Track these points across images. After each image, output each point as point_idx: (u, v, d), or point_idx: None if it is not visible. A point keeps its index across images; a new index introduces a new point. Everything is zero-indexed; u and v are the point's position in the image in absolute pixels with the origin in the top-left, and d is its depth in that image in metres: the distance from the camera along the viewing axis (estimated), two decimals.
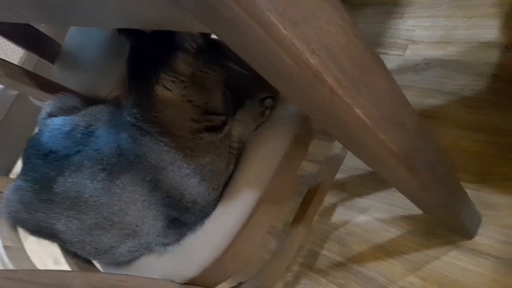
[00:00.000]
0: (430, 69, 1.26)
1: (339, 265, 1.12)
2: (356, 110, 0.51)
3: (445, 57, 1.24)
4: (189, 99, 0.65)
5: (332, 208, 1.21)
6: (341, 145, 0.96)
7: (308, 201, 0.87)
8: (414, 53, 1.33)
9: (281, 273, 0.87)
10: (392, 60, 1.35)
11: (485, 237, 0.92)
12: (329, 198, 1.22)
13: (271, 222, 0.77)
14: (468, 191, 0.93)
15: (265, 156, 0.73)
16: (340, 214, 1.18)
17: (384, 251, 1.04)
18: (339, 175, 1.23)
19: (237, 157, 0.73)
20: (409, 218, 1.04)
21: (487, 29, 1.17)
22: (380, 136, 0.55)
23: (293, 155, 0.75)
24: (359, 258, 1.08)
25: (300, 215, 0.86)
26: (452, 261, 0.93)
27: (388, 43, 1.40)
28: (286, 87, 0.51)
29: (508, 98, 1.04)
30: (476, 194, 0.96)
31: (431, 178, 0.67)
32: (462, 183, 0.95)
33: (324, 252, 1.16)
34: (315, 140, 1.10)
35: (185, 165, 0.66)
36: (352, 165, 1.22)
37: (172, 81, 0.64)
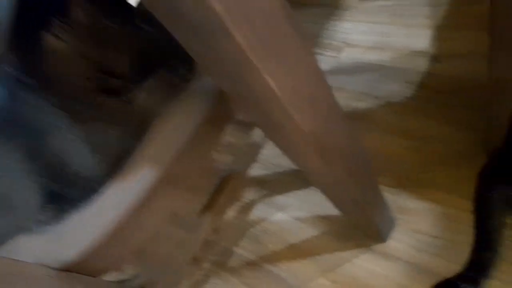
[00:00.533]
0: (363, 73, 1.24)
1: (251, 264, 1.06)
2: (266, 77, 0.45)
3: (378, 62, 1.23)
4: (84, 53, 0.56)
5: (251, 204, 1.15)
6: (261, 133, 0.90)
7: (219, 190, 0.80)
8: (349, 56, 1.31)
9: (183, 267, 0.79)
10: (326, 61, 1.32)
11: (397, 241, 0.90)
12: (249, 195, 1.16)
13: (173, 209, 0.69)
14: (386, 194, 0.91)
15: (171, 133, 0.65)
16: (258, 211, 1.13)
17: (298, 251, 1.00)
18: (261, 171, 1.18)
19: (139, 130, 0.65)
20: (326, 218, 1.01)
21: (421, 38, 1.18)
22: (291, 113, 0.49)
23: (205, 135, 0.68)
24: (273, 258, 1.03)
25: (209, 205, 0.78)
26: (363, 264, 0.90)
27: (324, 44, 1.37)
28: (193, 40, 0.43)
29: (434, 106, 1.04)
30: (393, 198, 0.94)
31: (345, 171, 0.63)
32: (381, 186, 0.93)
33: (238, 250, 1.10)
34: (239, 133, 1.04)
35: (72, 130, 0.56)
36: (275, 162, 1.17)
37: (65, 30, 0.54)
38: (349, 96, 1.21)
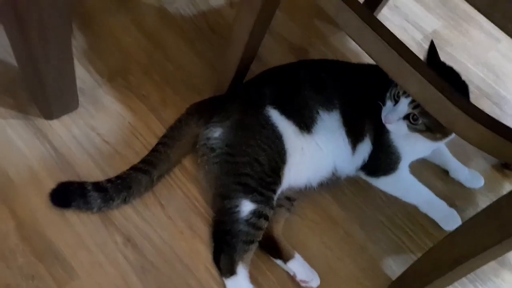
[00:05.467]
0: None
1: None
2: None
3: None
4: None
5: None
6: None
7: None
8: None
9: None
10: None
11: (64, 126, 0.74)
12: None
13: None
14: (89, 79, 0.79)
15: None
16: None
17: None
18: None
19: None
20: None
21: None
22: None
23: None
24: None
25: None
26: (7, 129, 0.71)
27: None
28: None
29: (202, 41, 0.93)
30: (93, 86, 0.79)
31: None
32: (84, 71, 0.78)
33: None
34: None
35: None
36: None
37: None
38: None
